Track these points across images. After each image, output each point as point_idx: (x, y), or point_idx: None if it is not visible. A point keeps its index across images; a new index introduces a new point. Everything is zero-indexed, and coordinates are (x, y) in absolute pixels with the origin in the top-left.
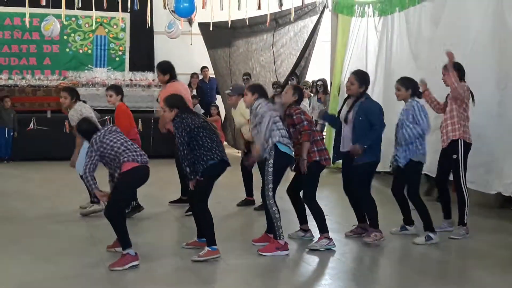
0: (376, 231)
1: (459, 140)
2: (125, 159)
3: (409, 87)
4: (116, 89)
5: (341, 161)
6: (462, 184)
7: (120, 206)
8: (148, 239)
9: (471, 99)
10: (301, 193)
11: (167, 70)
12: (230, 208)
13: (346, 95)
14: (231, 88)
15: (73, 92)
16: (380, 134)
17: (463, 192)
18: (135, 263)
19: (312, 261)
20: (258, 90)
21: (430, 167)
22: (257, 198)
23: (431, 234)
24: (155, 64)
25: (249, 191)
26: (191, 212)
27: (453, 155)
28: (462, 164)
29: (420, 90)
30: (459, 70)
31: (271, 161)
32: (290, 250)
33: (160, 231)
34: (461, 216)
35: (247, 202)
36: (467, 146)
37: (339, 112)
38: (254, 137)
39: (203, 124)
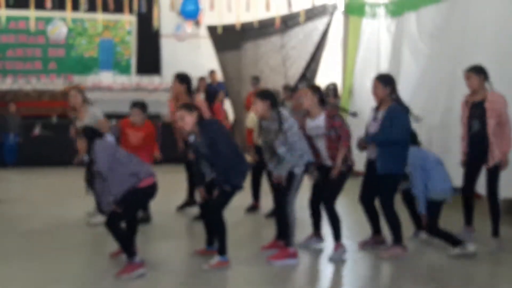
0: (398, 247)
1: None
2: (143, 175)
3: None
4: (142, 107)
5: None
6: (496, 193)
7: (124, 219)
8: (156, 246)
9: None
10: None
11: (185, 79)
12: (238, 214)
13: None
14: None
15: (82, 92)
16: (398, 139)
17: (497, 201)
18: (142, 271)
19: (323, 268)
20: (270, 97)
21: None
22: (264, 205)
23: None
24: (162, 67)
25: (256, 196)
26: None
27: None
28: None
29: None
30: (482, 73)
31: (298, 172)
32: (299, 258)
33: (167, 238)
34: (495, 227)
35: (253, 207)
36: None
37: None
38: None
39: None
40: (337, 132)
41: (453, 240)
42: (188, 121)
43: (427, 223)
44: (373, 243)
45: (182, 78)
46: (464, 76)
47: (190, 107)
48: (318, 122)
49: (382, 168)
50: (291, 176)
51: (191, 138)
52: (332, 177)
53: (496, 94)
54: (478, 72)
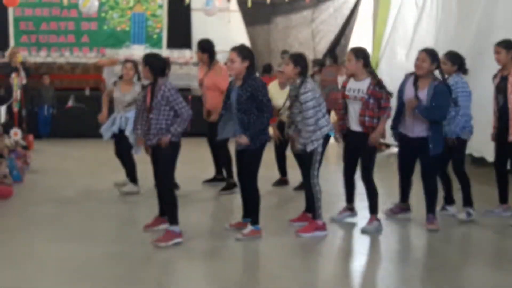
0: (434, 218)
1: None
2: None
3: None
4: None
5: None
6: None
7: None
8: (185, 219)
9: None
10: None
11: (206, 48)
12: (266, 188)
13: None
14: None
15: (137, 66)
16: (443, 115)
17: None
18: (179, 239)
19: (352, 241)
20: (301, 63)
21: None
22: (292, 178)
23: (470, 210)
24: (193, 41)
25: (283, 171)
26: (228, 191)
27: None
28: None
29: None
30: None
31: (317, 145)
32: (328, 230)
33: (196, 211)
34: None
35: (281, 181)
36: None
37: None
38: (293, 122)
39: None
40: (377, 100)
41: (467, 195)
42: (236, 66)
43: (455, 161)
44: (399, 211)
45: (203, 48)
46: (494, 50)
47: (244, 52)
48: (362, 85)
49: (432, 150)
50: (308, 153)
51: (233, 85)
52: (371, 142)
53: None
54: (507, 47)
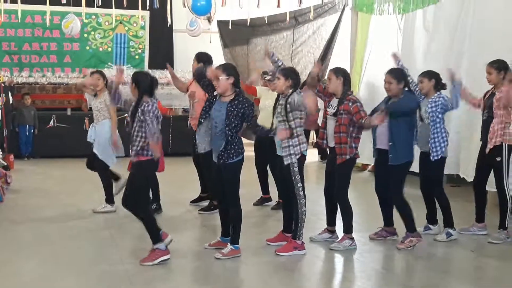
0: (412, 236)
1: (503, 143)
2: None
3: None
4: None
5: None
6: (505, 187)
7: (141, 196)
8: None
9: None
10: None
11: (201, 59)
12: (246, 207)
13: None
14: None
15: (103, 74)
16: (411, 108)
17: (506, 196)
18: (166, 256)
19: (330, 260)
20: (292, 76)
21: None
22: (273, 196)
23: (450, 230)
24: (175, 62)
25: (265, 189)
26: (207, 212)
27: (496, 158)
28: (505, 167)
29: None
30: (505, 69)
31: (295, 161)
32: (309, 249)
33: (180, 231)
34: (503, 220)
35: (264, 200)
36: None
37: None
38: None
39: None
40: (349, 115)
41: (448, 216)
42: (222, 83)
43: (434, 182)
44: (384, 235)
45: (199, 57)
46: (485, 70)
47: (228, 69)
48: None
49: (394, 160)
50: (288, 167)
51: (218, 99)
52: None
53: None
54: (498, 68)
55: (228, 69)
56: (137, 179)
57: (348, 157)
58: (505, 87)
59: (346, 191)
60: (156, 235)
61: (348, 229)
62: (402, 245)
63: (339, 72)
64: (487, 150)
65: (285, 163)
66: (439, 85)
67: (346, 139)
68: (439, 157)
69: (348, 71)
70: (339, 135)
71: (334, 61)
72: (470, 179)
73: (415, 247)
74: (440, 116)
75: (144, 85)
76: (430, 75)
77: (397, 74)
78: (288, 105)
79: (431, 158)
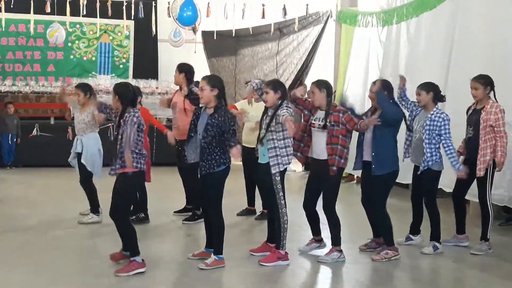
0: (389, 249)
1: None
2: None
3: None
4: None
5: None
6: (487, 199)
7: (127, 209)
8: (152, 249)
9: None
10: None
11: (183, 69)
12: (231, 217)
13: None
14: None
15: (85, 87)
16: (394, 115)
17: (488, 208)
18: (142, 270)
19: (314, 271)
20: (281, 88)
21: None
22: (257, 208)
23: (437, 244)
24: (159, 71)
25: (251, 200)
26: (190, 222)
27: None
28: (489, 180)
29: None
30: (490, 84)
31: (278, 171)
32: (293, 259)
33: (164, 240)
34: (484, 231)
35: (248, 211)
36: (494, 162)
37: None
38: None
39: None
40: (344, 126)
41: (436, 229)
42: (206, 94)
43: (429, 194)
44: (374, 246)
45: (181, 67)
46: (470, 85)
47: (213, 81)
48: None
49: (378, 170)
50: (272, 178)
51: (203, 111)
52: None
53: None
54: (485, 83)
55: (212, 80)
56: (125, 191)
57: (340, 167)
58: None
59: (335, 202)
60: (135, 247)
61: (336, 241)
62: (378, 257)
63: (321, 84)
64: (482, 173)
65: (273, 171)
66: (437, 98)
67: (338, 150)
68: (430, 164)
69: (332, 83)
70: (331, 147)
71: (317, 73)
72: (449, 189)
73: (392, 259)
74: (436, 133)
75: (127, 97)
76: (428, 87)
77: (383, 82)
78: (277, 117)
79: (421, 167)
